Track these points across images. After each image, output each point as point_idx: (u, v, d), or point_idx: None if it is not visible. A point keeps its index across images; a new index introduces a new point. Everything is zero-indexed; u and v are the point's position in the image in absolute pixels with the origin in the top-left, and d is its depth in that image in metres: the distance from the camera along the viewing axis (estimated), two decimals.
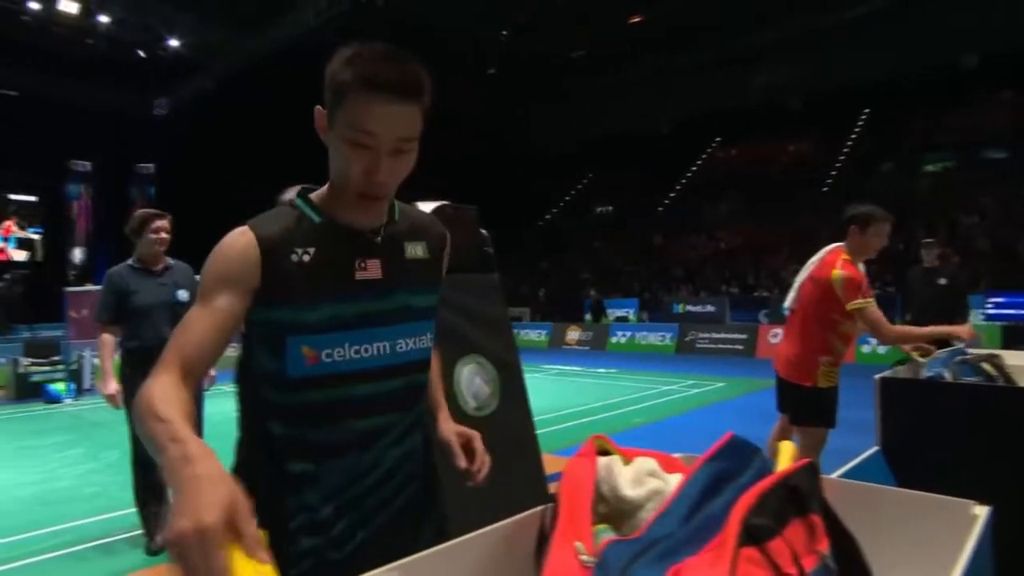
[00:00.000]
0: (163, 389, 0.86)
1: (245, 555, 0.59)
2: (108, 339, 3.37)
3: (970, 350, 2.27)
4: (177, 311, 3.36)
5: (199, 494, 0.61)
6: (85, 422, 7.66)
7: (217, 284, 0.99)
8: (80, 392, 9.55)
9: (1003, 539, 0.90)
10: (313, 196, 1.09)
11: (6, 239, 20.47)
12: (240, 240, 1.01)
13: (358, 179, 1.00)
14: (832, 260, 3.10)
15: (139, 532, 3.76)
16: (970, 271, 13.89)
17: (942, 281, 5.81)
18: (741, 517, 0.61)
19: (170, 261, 3.59)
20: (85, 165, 21.63)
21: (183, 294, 3.47)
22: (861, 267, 3.30)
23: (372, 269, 1.06)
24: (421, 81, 0.98)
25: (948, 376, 1.69)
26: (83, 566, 3.39)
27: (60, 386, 9.16)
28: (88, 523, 4.01)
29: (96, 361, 10.67)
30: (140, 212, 3.63)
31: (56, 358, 9.70)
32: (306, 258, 1.02)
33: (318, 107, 1.02)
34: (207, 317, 0.97)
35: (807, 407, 3.25)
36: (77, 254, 21.80)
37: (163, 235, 3.53)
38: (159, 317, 3.36)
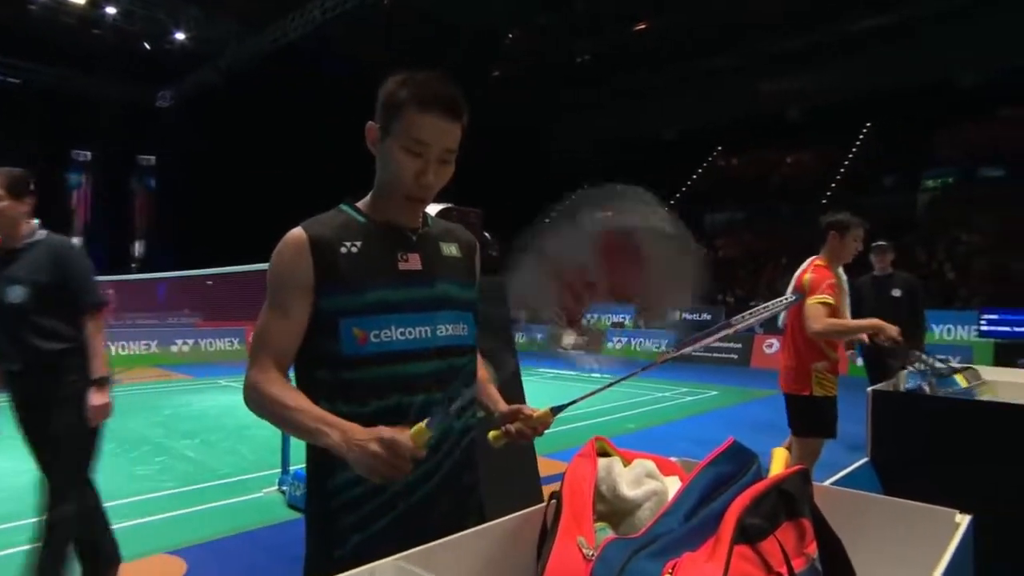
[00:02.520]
0: (279, 383, 1.14)
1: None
2: None
3: (943, 365, 2.31)
4: (6, 311, 2.46)
5: (366, 435, 1.01)
6: None
7: (284, 288, 1.16)
8: None
9: (983, 547, 0.93)
10: (360, 202, 1.26)
11: None
12: (294, 241, 1.17)
13: (409, 182, 1.16)
14: (807, 268, 3.22)
15: (129, 523, 3.78)
16: (966, 288, 13.99)
17: (896, 292, 5.07)
18: (737, 516, 0.64)
19: (26, 241, 2.55)
20: (85, 155, 21.60)
21: (15, 293, 2.46)
22: (842, 273, 3.40)
23: (413, 261, 1.22)
24: (463, 103, 1.17)
25: (927, 388, 1.74)
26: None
27: None
28: None
29: None
30: None
31: None
32: (354, 250, 1.17)
33: (370, 123, 1.20)
34: (284, 321, 1.16)
35: (804, 417, 3.31)
36: (75, 243, 21.74)
37: None
38: None
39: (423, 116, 1.13)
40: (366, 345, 1.15)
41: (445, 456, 1.22)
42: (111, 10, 15.48)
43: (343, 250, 1.16)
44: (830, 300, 3.06)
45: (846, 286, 3.56)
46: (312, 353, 1.18)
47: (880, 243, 5.26)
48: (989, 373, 2.63)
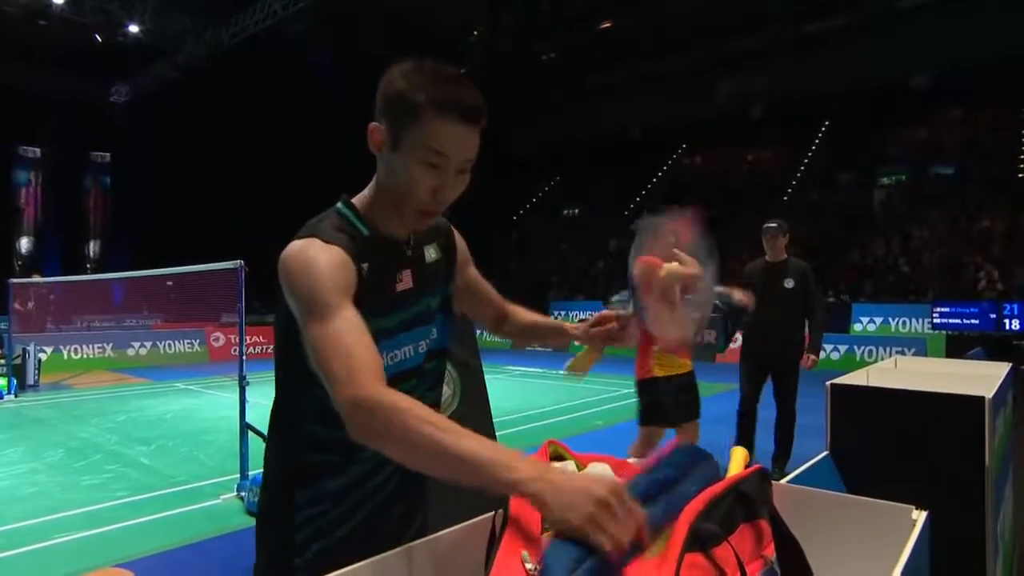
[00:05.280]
0: (415, 402, 0.88)
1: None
2: None
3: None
4: None
5: (579, 479, 0.72)
6: (27, 419, 7.34)
7: (339, 294, 0.97)
8: (23, 388, 9.14)
9: (940, 537, 0.93)
10: (357, 204, 1.11)
11: None
12: (334, 254, 1.00)
13: (424, 197, 1.03)
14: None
15: (76, 535, 3.62)
16: (920, 282, 14.46)
17: (788, 283, 4.48)
18: (689, 522, 0.61)
19: None
20: (34, 151, 20.77)
21: None
22: None
23: (406, 279, 1.12)
24: (485, 106, 1.02)
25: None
26: (16, 571, 3.23)
27: (1, 382, 8.75)
28: (26, 526, 3.83)
29: (42, 356, 10.23)
30: None
31: None
32: (364, 271, 1.04)
33: (374, 123, 1.04)
34: (359, 325, 0.95)
35: (647, 401, 3.42)
36: (24, 244, 20.91)
37: None
38: None
39: (444, 125, 0.98)
40: None
41: (393, 471, 1.16)
42: (58, 0, 14.85)
43: (360, 272, 1.03)
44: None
45: None
46: (310, 371, 1.00)
47: (770, 225, 4.62)
48: (942, 365, 2.70)
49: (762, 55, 20.76)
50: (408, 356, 1.12)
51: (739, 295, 3.74)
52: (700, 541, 0.61)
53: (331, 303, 0.95)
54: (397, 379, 1.09)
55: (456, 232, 1.28)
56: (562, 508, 0.68)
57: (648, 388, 3.38)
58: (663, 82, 22.66)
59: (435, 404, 1.22)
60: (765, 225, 4.64)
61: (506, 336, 1.42)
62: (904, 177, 19.22)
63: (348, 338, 0.93)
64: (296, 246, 1.01)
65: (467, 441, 0.79)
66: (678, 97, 22.74)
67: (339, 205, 1.11)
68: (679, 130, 24.01)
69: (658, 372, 3.33)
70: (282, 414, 1.14)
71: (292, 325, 1.00)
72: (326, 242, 1.00)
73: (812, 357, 4.49)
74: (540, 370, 11.98)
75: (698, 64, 21.70)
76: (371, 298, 1.03)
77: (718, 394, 8.32)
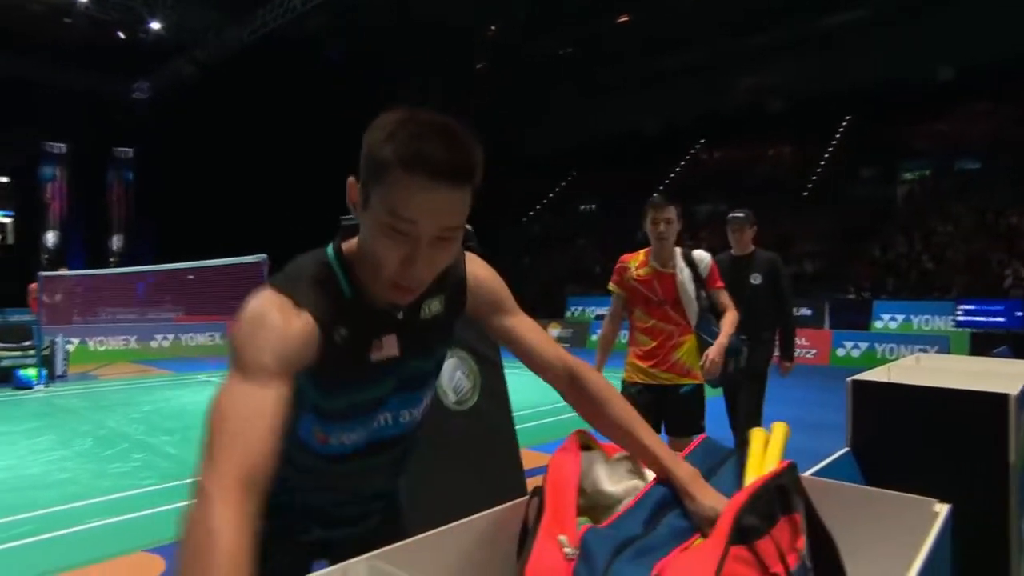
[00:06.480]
0: (227, 528, 0.64)
1: None
2: None
3: None
4: None
5: None
6: (57, 408, 7.53)
7: (274, 366, 0.80)
8: (52, 378, 9.37)
9: (962, 535, 0.94)
10: (348, 255, 0.95)
11: None
12: (296, 321, 0.86)
13: (392, 269, 0.86)
14: None
15: (107, 521, 3.72)
16: (944, 278, 14.23)
17: (755, 279, 4.07)
18: (733, 516, 0.63)
19: None
20: (60, 147, 21.19)
21: None
22: (678, 259, 3.15)
23: (388, 346, 0.97)
24: (472, 162, 0.84)
25: None
26: (50, 554, 3.34)
27: (31, 372, 8.97)
28: (57, 511, 3.94)
29: (69, 348, 10.47)
30: None
31: (27, 343, 9.49)
32: (338, 339, 0.91)
33: (351, 179, 0.90)
34: (270, 407, 0.77)
35: None
36: (50, 238, 21.36)
37: None
38: None
39: (411, 185, 0.80)
40: (325, 445, 1.00)
41: (364, 510, 1.15)
42: None
43: (330, 341, 0.90)
44: (613, 288, 3.35)
45: (681, 274, 3.17)
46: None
47: (736, 215, 4.20)
48: (965, 363, 2.67)
49: (783, 48, 20.50)
50: (385, 424, 1.03)
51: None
52: (743, 534, 0.63)
53: (266, 368, 0.79)
54: (371, 451, 1.03)
55: (478, 278, 1.07)
56: None
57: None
58: (683, 76, 22.47)
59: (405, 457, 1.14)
60: (730, 215, 4.23)
61: (582, 415, 1.04)
62: (928, 172, 18.88)
63: (247, 418, 0.74)
64: (263, 300, 0.86)
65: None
66: (697, 91, 22.54)
67: (329, 252, 0.96)
68: (698, 124, 23.80)
69: (625, 375, 3.37)
70: None
71: None
72: (298, 305, 0.87)
73: (787, 364, 4.06)
74: None
75: (718, 58, 21.49)
76: (342, 369, 0.92)
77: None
